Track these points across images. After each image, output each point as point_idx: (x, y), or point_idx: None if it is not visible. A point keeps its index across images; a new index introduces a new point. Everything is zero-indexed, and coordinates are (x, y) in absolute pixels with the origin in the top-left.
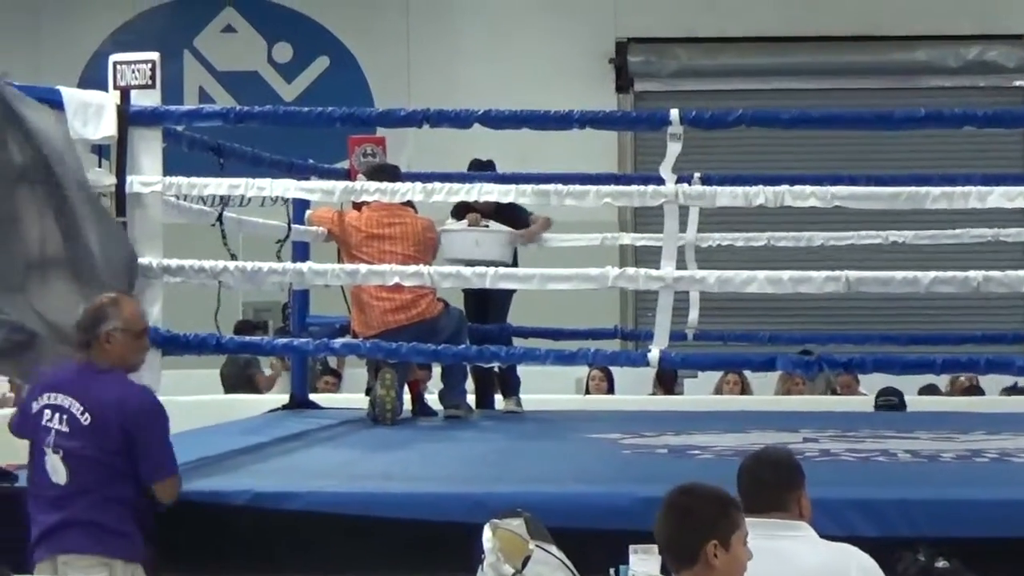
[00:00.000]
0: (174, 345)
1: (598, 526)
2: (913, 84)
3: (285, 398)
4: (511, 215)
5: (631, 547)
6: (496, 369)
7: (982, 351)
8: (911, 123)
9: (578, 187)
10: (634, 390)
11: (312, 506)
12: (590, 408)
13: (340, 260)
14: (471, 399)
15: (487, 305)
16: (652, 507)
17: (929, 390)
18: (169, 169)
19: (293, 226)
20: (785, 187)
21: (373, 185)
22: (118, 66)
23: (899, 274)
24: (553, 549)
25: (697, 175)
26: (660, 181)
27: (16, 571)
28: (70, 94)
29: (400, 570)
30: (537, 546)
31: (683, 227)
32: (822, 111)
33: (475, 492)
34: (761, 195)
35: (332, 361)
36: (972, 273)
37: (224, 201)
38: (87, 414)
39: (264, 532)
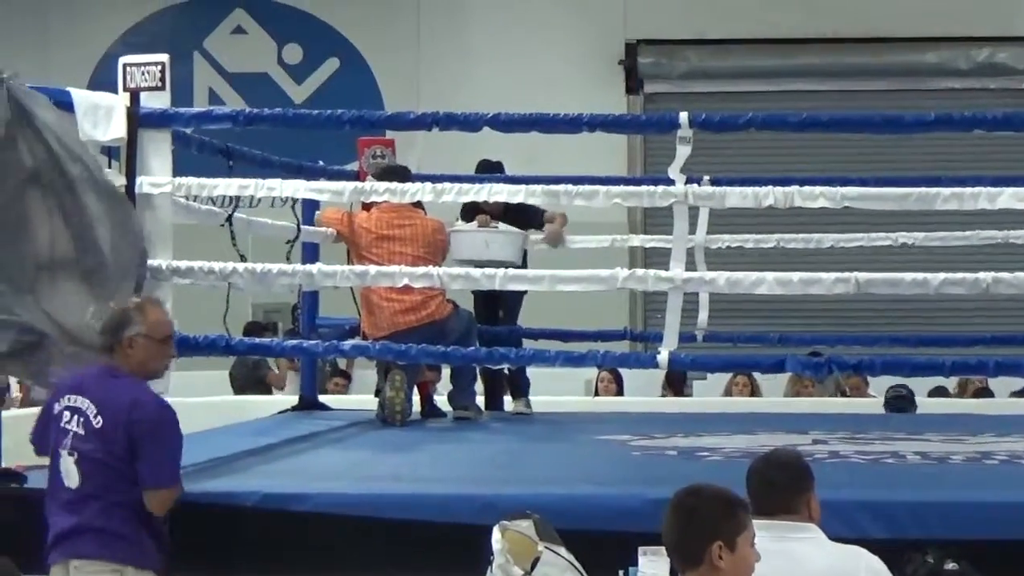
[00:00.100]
0: (184, 347)
1: (607, 528)
2: (923, 86)
3: (294, 399)
4: (521, 216)
5: (640, 549)
6: (506, 370)
7: (991, 353)
8: (921, 127)
9: (587, 187)
10: (643, 392)
11: (321, 507)
12: (599, 410)
13: (350, 261)
14: (480, 400)
15: (497, 306)
16: (661, 509)
17: (938, 392)
18: (179, 171)
19: (303, 227)
20: (795, 188)
21: (383, 186)
22: (128, 68)
23: (909, 275)
24: (562, 551)
25: (707, 177)
26: (670, 183)
27: (27, 571)
28: (80, 96)
29: (409, 571)
30: (546, 548)
31: (693, 229)
32: (831, 114)
33: (484, 493)
34: (771, 196)
35: (342, 362)
36: (982, 275)
37: (235, 202)
38: (99, 416)
39: (273, 533)
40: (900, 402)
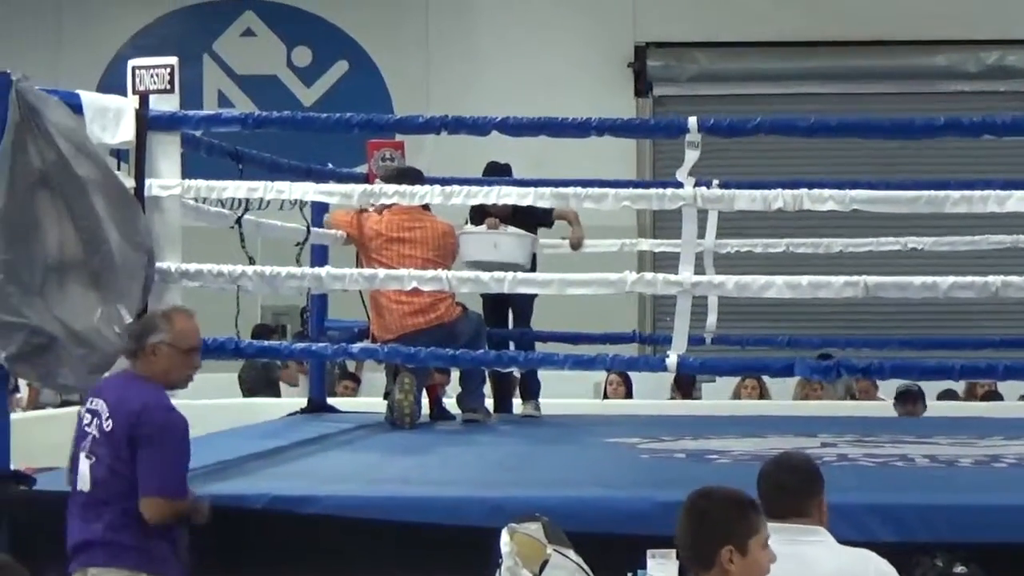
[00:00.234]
0: None
1: (616, 531)
2: (933, 89)
3: (303, 402)
4: (529, 218)
5: (649, 552)
6: (517, 373)
7: (1001, 356)
8: (930, 131)
9: (596, 190)
10: (652, 395)
11: (330, 510)
12: (608, 412)
13: (359, 264)
14: (489, 403)
15: (505, 309)
16: (670, 512)
17: (947, 395)
18: (188, 174)
19: (312, 229)
20: (804, 191)
21: (391, 188)
22: (137, 71)
23: (917, 279)
24: (571, 554)
25: (716, 181)
26: (679, 186)
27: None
28: (89, 98)
29: (417, 574)
30: (555, 550)
31: (702, 233)
32: (840, 118)
33: (493, 496)
34: (780, 199)
35: (351, 365)
36: (991, 278)
37: (244, 205)
38: (110, 420)
39: (282, 536)
40: (907, 395)
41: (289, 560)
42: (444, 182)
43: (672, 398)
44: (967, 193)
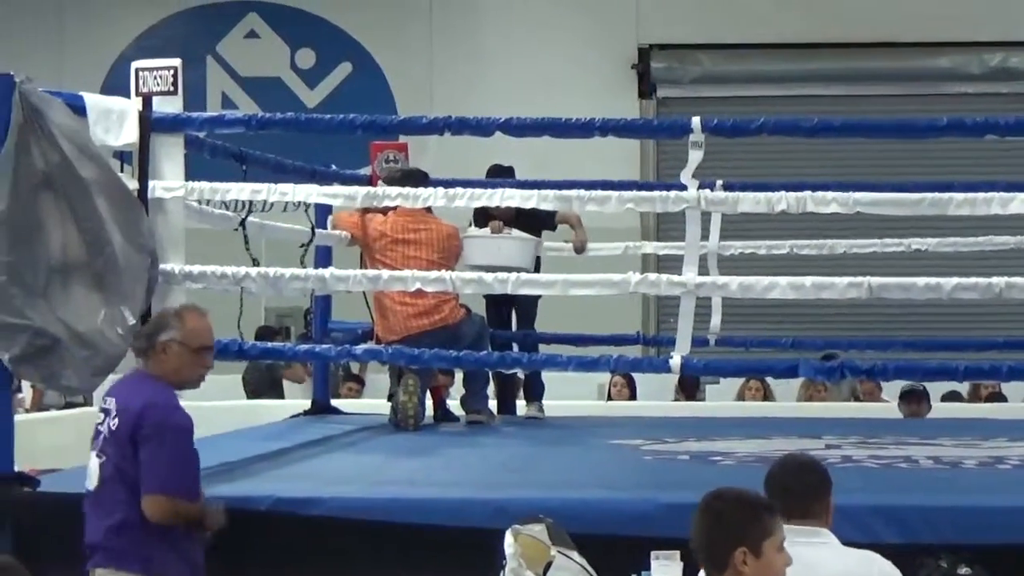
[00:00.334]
0: None
1: (620, 532)
2: (936, 91)
3: (307, 404)
4: (532, 220)
5: (652, 554)
6: (520, 375)
7: (1004, 358)
8: (933, 131)
9: (600, 192)
10: (656, 396)
11: (334, 511)
12: (612, 414)
13: (363, 265)
14: (493, 405)
15: (509, 311)
16: (673, 513)
17: (951, 397)
18: (191, 176)
19: (316, 230)
20: (807, 193)
21: (394, 190)
22: (140, 72)
23: (921, 280)
24: (575, 555)
25: (719, 182)
26: (682, 188)
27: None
28: (93, 100)
29: (421, 575)
30: (559, 552)
31: (705, 235)
32: (843, 119)
33: (497, 498)
34: (783, 201)
35: (355, 367)
36: (995, 279)
37: (248, 206)
38: (117, 418)
39: (286, 537)
40: (912, 395)
41: (293, 562)
42: (448, 184)
43: (676, 400)
44: (971, 195)
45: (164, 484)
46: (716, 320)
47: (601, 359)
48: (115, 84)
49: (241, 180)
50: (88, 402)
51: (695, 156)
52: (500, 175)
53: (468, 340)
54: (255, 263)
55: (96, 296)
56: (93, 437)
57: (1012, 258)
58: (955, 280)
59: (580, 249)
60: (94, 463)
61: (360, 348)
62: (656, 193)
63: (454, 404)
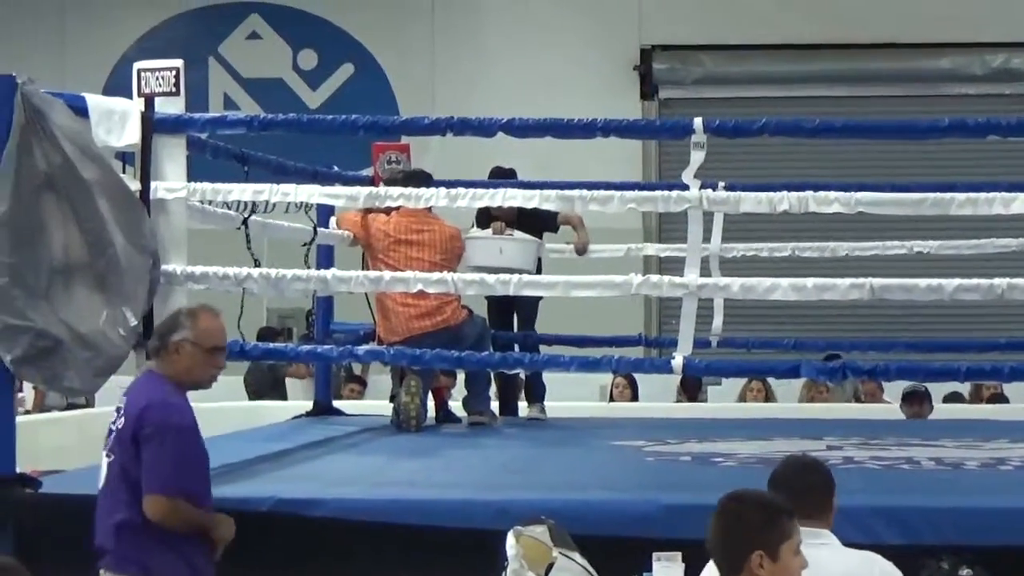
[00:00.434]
0: None
1: (621, 533)
2: (938, 92)
3: (309, 404)
4: (534, 222)
5: (654, 555)
6: (522, 376)
7: (1006, 359)
8: (935, 132)
9: (602, 192)
10: (658, 397)
11: (336, 513)
12: (614, 415)
13: (365, 265)
14: (495, 406)
15: (511, 313)
16: (675, 515)
17: (953, 398)
18: (193, 177)
19: (318, 230)
20: (809, 193)
21: (397, 190)
22: (142, 73)
23: (923, 281)
24: (576, 556)
25: (721, 183)
26: (684, 188)
27: None
28: (95, 101)
29: None
30: (560, 553)
31: (707, 236)
32: (845, 120)
33: (499, 499)
34: (785, 201)
35: (357, 368)
36: (997, 281)
37: (250, 206)
38: (123, 417)
39: (287, 539)
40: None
41: (295, 563)
42: (450, 184)
43: (678, 401)
44: (973, 195)
45: (164, 484)
46: (718, 321)
47: (603, 360)
48: (117, 85)
49: (243, 181)
50: (90, 403)
51: (697, 157)
52: (502, 178)
53: (470, 341)
54: (257, 264)
55: (98, 297)
56: (106, 436)
57: (1014, 260)
58: (957, 281)
59: (582, 251)
60: (104, 463)
61: (362, 349)
62: (658, 193)
63: (456, 405)
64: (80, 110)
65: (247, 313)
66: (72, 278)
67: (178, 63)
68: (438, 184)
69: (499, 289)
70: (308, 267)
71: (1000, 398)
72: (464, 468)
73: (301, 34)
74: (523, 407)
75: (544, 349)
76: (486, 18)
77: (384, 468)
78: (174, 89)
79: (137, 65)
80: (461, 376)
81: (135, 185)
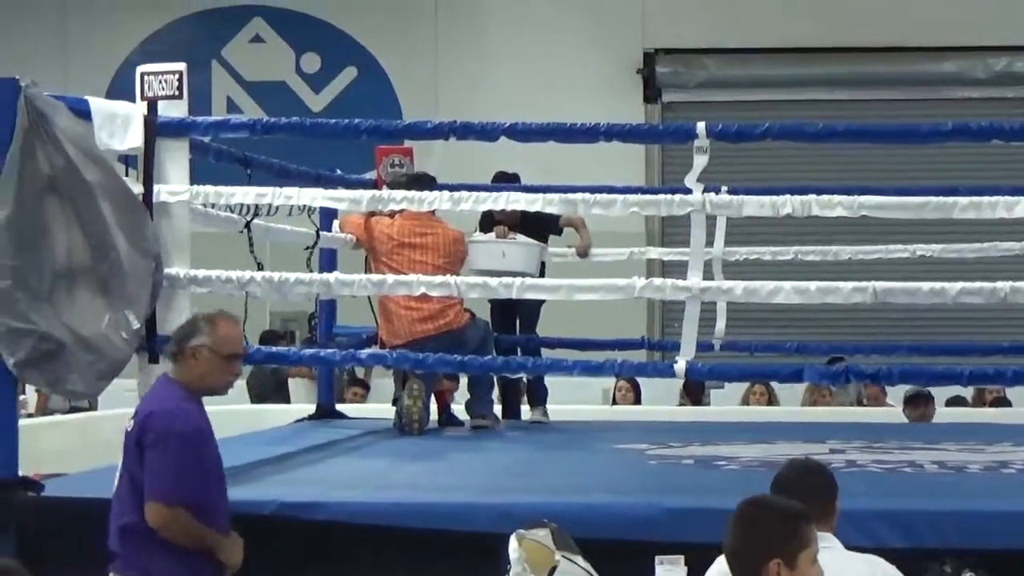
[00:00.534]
0: None
1: (624, 537)
2: (941, 95)
3: (312, 408)
4: (537, 226)
5: (657, 558)
6: (524, 379)
7: (1009, 363)
8: (938, 136)
9: (605, 195)
10: (661, 400)
11: (338, 516)
12: (617, 418)
13: (368, 268)
14: (497, 409)
15: (514, 316)
16: (678, 518)
17: (956, 401)
18: (196, 180)
19: (321, 234)
20: (812, 196)
21: (399, 194)
22: (145, 77)
23: (926, 285)
24: (579, 560)
25: (724, 187)
26: (687, 192)
27: None
28: (98, 105)
29: None
30: (563, 557)
31: (710, 240)
32: (848, 124)
33: (501, 502)
34: (788, 204)
35: (359, 371)
36: (1000, 284)
37: (253, 210)
38: (132, 421)
39: (290, 542)
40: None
41: (297, 566)
42: (453, 188)
43: (681, 404)
44: (975, 199)
45: (164, 492)
46: (721, 325)
47: (606, 364)
48: (120, 88)
49: (246, 184)
50: (93, 407)
51: (700, 161)
52: (505, 182)
53: (473, 345)
54: (260, 267)
55: (101, 300)
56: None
57: (1017, 263)
58: (960, 285)
59: (583, 253)
60: (119, 465)
61: (365, 352)
62: (661, 197)
63: (459, 408)
64: (83, 113)
65: (250, 317)
66: (75, 281)
67: (181, 66)
68: (441, 188)
69: (502, 293)
70: (311, 270)
71: (1003, 402)
72: (467, 471)
73: (304, 37)
74: (526, 410)
75: (547, 352)
76: (489, 21)
77: (387, 471)
78: (177, 92)
79: (140, 68)
80: (464, 379)
81: (138, 188)
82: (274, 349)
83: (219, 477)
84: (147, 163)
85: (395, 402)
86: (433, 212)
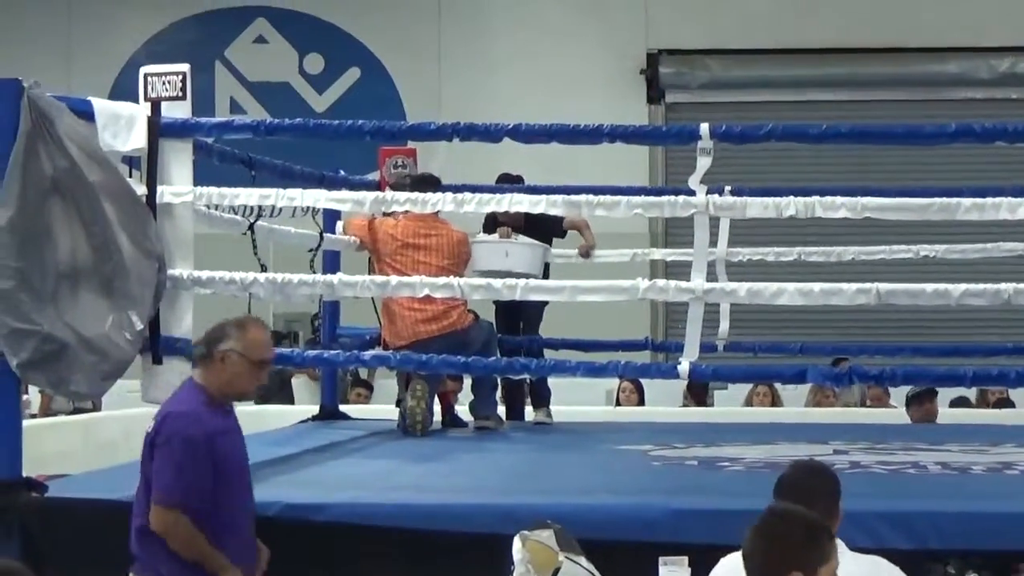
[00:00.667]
0: None
1: (627, 538)
2: (945, 96)
3: (315, 409)
4: (541, 227)
5: (661, 559)
6: (527, 381)
7: (1013, 364)
8: (941, 138)
9: (608, 197)
10: (664, 402)
11: (342, 517)
12: (620, 419)
13: (371, 270)
14: (501, 410)
15: (518, 317)
16: (681, 519)
17: (959, 403)
18: (199, 181)
19: (324, 235)
20: (815, 198)
21: (403, 195)
22: (149, 77)
23: (929, 286)
24: (583, 561)
25: (727, 188)
26: (691, 194)
27: None
28: (101, 106)
29: None
30: (567, 558)
31: (714, 241)
32: (851, 125)
33: (505, 503)
34: (791, 206)
35: (363, 372)
36: (1003, 285)
37: (257, 212)
38: (152, 422)
39: (294, 543)
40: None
41: (301, 568)
42: (456, 189)
43: (684, 405)
44: (979, 200)
45: (164, 494)
46: (724, 326)
47: (609, 365)
48: (123, 89)
49: (249, 185)
50: (96, 408)
51: (703, 162)
52: (509, 184)
53: (476, 346)
54: (263, 268)
55: (104, 301)
56: None
57: (1020, 264)
58: (963, 286)
59: (587, 254)
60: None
61: (368, 354)
62: (665, 198)
63: (462, 410)
64: (86, 114)
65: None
66: (78, 282)
67: (184, 67)
68: (445, 189)
69: (505, 294)
70: (314, 272)
71: (1006, 402)
72: (470, 472)
73: (307, 38)
74: (529, 411)
75: (550, 353)
76: (492, 22)
77: (390, 472)
78: (180, 93)
79: (143, 69)
80: (468, 380)
81: (141, 189)
82: (277, 350)
83: (236, 485)
84: (150, 164)
85: (399, 403)
86: (437, 213)
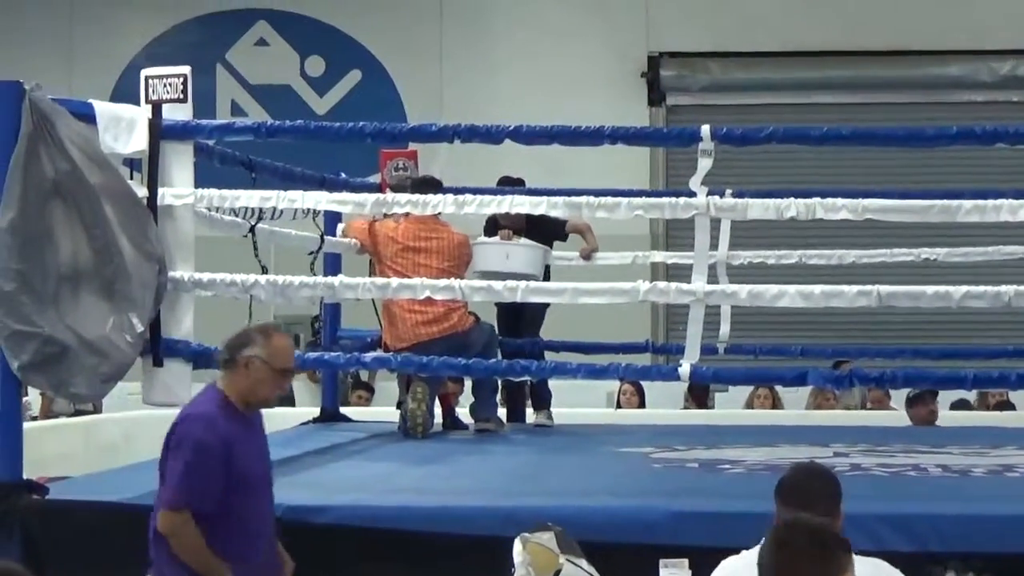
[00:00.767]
0: (205, 358)
1: (628, 540)
2: (946, 99)
3: (316, 411)
4: (543, 230)
5: (661, 561)
6: (528, 383)
7: (1013, 366)
8: (943, 140)
9: (610, 199)
10: (665, 404)
11: (343, 519)
12: (621, 422)
13: (372, 272)
14: (502, 413)
15: (519, 319)
16: (682, 521)
17: (960, 405)
18: (200, 183)
19: (325, 238)
20: (816, 200)
21: (404, 197)
22: (150, 80)
23: (930, 288)
24: (583, 563)
25: (728, 190)
26: (692, 196)
27: None
28: (102, 108)
29: None
30: (567, 560)
31: (715, 244)
32: (853, 127)
33: (505, 506)
34: (793, 208)
35: (364, 374)
36: (1004, 288)
37: (258, 214)
38: (171, 425)
39: (295, 546)
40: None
41: (302, 570)
42: (457, 191)
43: (685, 407)
44: (980, 203)
45: (169, 496)
46: (725, 328)
47: (610, 367)
48: (125, 92)
49: (250, 188)
50: (97, 410)
51: (704, 164)
52: (510, 187)
53: (477, 348)
54: (264, 270)
55: (105, 304)
56: None
57: (1021, 267)
58: (964, 289)
59: (588, 257)
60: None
61: (369, 356)
62: (665, 200)
63: (463, 412)
64: (87, 117)
65: (254, 320)
66: (79, 284)
67: (185, 70)
68: (446, 191)
69: (506, 296)
70: (315, 274)
71: (1007, 405)
72: (471, 475)
73: (308, 40)
74: (530, 414)
75: (551, 355)
76: (494, 24)
77: (391, 475)
78: (181, 96)
79: (145, 72)
80: (468, 383)
81: (142, 192)
82: None
83: (254, 493)
84: (151, 166)
85: (399, 405)
86: (438, 215)
